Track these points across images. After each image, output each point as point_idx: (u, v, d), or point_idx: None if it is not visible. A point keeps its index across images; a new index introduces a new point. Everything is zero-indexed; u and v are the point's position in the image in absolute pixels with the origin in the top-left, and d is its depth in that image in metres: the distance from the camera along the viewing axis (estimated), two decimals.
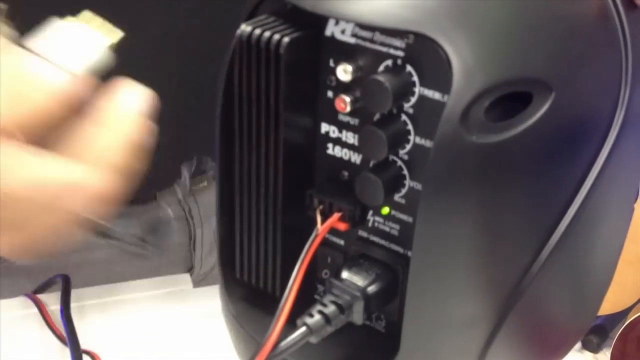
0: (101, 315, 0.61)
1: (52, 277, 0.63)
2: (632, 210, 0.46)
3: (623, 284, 0.72)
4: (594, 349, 0.72)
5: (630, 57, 0.39)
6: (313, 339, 0.40)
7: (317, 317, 0.40)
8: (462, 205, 0.38)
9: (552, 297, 0.43)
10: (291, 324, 0.40)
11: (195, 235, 0.76)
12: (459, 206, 0.37)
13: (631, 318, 0.66)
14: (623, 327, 0.66)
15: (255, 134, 0.42)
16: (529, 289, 0.40)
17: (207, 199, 0.76)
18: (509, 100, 0.37)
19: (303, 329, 0.39)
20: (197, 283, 0.72)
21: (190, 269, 0.76)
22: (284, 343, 0.39)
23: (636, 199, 0.47)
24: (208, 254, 0.77)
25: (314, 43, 0.40)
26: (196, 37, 0.65)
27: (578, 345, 0.72)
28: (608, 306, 0.73)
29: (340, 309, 0.40)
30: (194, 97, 0.65)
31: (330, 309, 0.40)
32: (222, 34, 0.42)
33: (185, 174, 0.75)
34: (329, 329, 0.40)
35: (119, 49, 0.39)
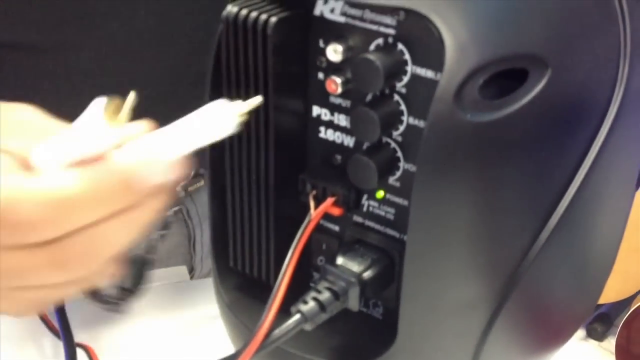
0: (97, 310, 0.60)
1: None
2: (634, 190, 0.45)
3: (627, 272, 0.71)
4: (599, 337, 0.71)
5: (629, 30, 0.38)
6: (307, 327, 0.39)
7: (311, 303, 0.39)
8: (457, 186, 0.37)
9: (553, 280, 0.42)
10: (286, 312, 0.39)
11: (195, 237, 0.75)
12: (454, 187, 0.37)
13: (635, 306, 0.65)
14: (627, 315, 0.65)
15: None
16: (528, 272, 0.39)
17: (204, 199, 0.75)
18: (504, 78, 0.36)
19: (297, 316, 0.39)
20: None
21: (191, 271, 0.75)
22: (277, 331, 0.38)
23: (638, 182, 0.46)
24: (208, 255, 0.76)
25: (303, 23, 0.39)
26: (185, 25, 0.64)
27: (583, 333, 0.71)
28: (612, 294, 0.72)
29: (335, 295, 0.39)
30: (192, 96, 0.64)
31: (325, 295, 0.39)
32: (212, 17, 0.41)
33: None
34: (324, 316, 0.39)
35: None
